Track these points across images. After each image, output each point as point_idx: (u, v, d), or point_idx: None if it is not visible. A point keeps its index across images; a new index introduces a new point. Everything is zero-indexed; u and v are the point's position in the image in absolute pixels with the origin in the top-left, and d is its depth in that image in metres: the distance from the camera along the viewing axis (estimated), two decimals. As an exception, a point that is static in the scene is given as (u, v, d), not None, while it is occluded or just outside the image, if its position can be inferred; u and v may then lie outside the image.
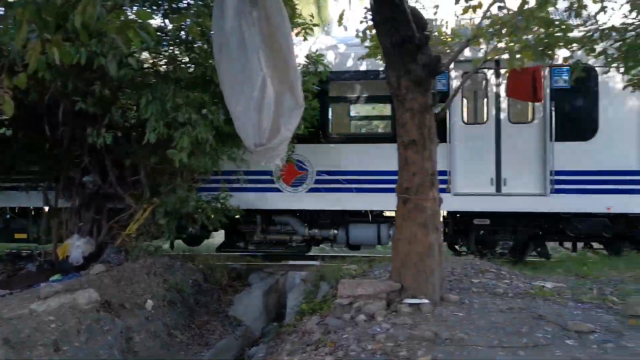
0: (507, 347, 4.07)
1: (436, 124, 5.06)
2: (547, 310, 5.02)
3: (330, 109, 9.26)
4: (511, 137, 8.62)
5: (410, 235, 5.27)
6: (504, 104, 8.66)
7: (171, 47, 6.99)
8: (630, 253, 8.14)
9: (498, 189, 8.62)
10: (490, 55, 5.39)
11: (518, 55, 5.10)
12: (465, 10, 5.16)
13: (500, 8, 5.16)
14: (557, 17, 5.15)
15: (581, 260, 7.46)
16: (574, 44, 4.98)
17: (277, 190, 9.16)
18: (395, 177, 5.26)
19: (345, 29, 6.06)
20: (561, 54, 5.90)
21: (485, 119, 8.81)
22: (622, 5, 4.94)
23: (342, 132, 9.61)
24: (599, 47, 5.12)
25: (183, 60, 7.02)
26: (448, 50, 6.16)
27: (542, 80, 6.64)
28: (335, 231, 9.39)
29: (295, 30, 6.84)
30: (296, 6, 6.73)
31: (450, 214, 9.19)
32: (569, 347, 4.08)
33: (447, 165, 8.63)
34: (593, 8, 5.08)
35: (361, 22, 6.12)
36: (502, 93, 8.64)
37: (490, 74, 8.68)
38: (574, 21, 5.25)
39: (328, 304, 5.77)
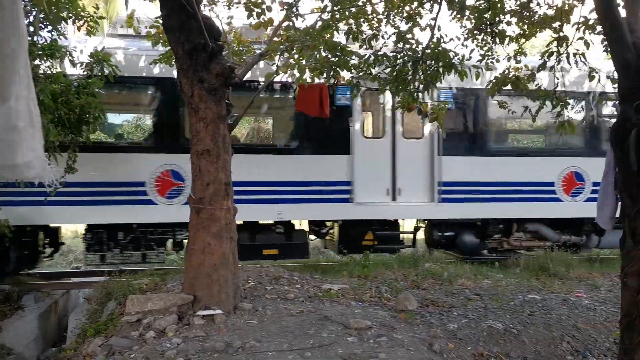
0: (296, 350, 4.24)
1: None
2: (332, 311, 5.38)
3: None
4: None
5: (204, 245, 5.20)
6: None
7: None
8: (401, 256, 9.18)
9: None
10: (282, 70, 5.62)
11: (308, 72, 5.41)
12: (257, 26, 5.30)
13: (288, 28, 5.42)
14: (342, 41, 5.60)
15: (362, 263, 8.17)
16: (353, 67, 5.47)
17: (558, 200, 9.45)
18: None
19: (136, 31, 5.74)
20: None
21: None
22: (390, 35, 5.61)
23: None
24: (374, 71, 5.72)
25: None
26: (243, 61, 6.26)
27: (328, 96, 7.12)
28: (586, 237, 9.82)
29: (78, 24, 6.23)
30: None
31: None
32: (349, 344, 4.42)
33: None
34: (369, 34, 5.66)
35: (151, 27, 5.87)
36: None
37: None
38: (355, 45, 5.76)
39: (114, 323, 5.37)
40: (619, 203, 3.31)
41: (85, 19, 6.26)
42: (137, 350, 4.45)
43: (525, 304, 6.07)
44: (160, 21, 5.21)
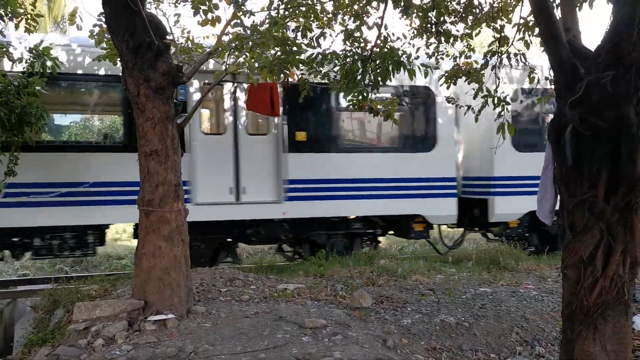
0: (250, 352, 4.21)
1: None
2: (288, 311, 5.36)
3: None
4: None
5: (155, 248, 5.10)
6: None
7: None
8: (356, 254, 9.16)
9: None
10: (232, 69, 5.55)
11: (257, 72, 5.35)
12: (204, 23, 5.23)
13: (236, 24, 5.36)
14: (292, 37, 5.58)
15: (318, 261, 8.15)
16: (302, 64, 5.46)
17: None
18: None
19: (79, 28, 5.55)
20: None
21: None
22: (338, 33, 5.64)
23: None
24: (324, 70, 5.73)
25: None
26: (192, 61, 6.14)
27: (279, 95, 7.05)
28: None
29: (16, 21, 5.97)
30: None
31: None
32: (304, 344, 4.41)
33: None
34: (317, 32, 5.67)
35: (94, 25, 5.70)
36: None
37: None
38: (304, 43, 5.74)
39: (62, 332, 5.21)
40: (558, 197, 3.41)
41: (23, 15, 6.02)
42: (85, 359, 4.34)
43: (476, 297, 6.21)
44: (103, 19, 5.06)
